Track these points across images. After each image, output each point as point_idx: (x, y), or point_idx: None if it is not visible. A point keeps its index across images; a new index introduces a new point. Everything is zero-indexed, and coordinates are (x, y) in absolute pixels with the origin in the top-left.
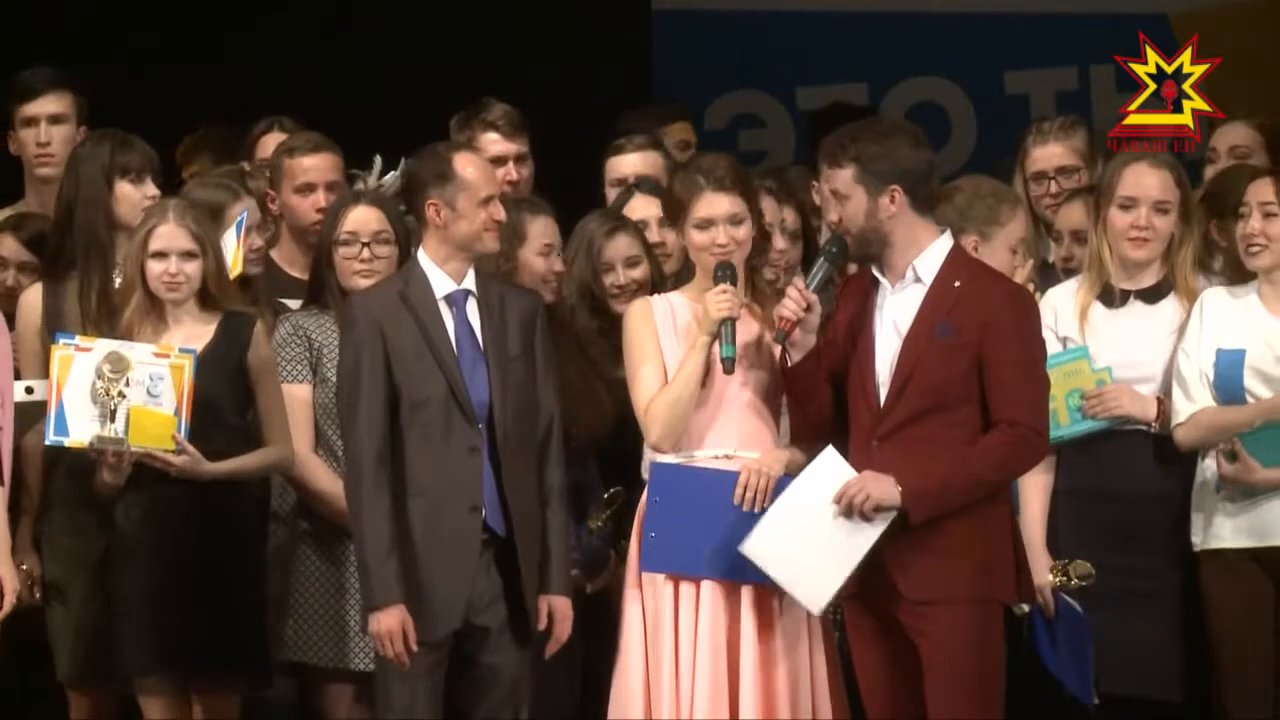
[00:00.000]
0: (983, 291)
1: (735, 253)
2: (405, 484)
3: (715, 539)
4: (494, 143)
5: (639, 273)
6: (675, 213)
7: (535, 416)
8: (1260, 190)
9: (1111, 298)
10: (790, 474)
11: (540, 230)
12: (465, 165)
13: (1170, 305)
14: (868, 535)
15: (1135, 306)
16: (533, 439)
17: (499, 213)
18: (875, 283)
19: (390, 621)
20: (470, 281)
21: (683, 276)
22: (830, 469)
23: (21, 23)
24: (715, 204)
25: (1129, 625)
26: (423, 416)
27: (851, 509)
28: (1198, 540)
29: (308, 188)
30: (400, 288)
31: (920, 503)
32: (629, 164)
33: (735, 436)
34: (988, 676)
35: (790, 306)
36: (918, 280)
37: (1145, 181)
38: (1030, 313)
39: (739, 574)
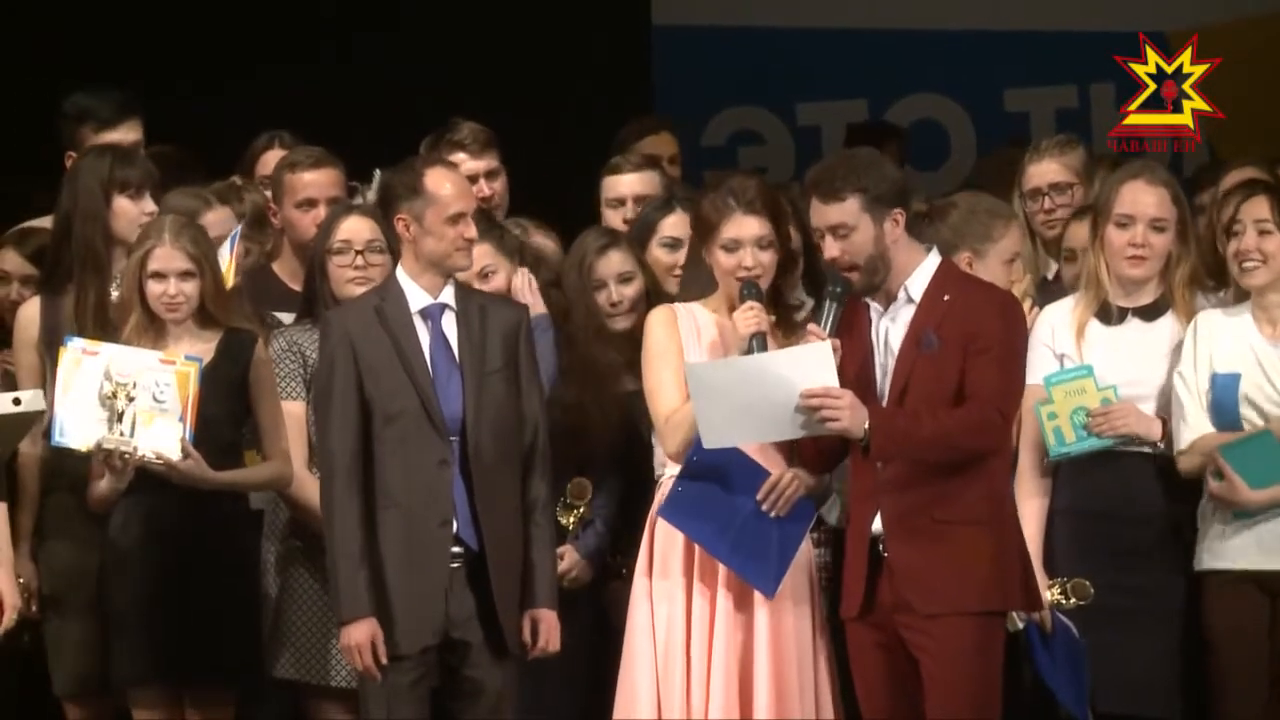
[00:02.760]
0: (971, 302)
1: (761, 277)
2: (379, 496)
3: (726, 521)
4: (461, 162)
5: (632, 289)
6: (704, 231)
7: (516, 429)
8: (1256, 207)
9: (1109, 315)
10: (808, 497)
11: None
12: (436, 181)
13: (1168, 323)
14: (807, 429)
15: (1133, 324)
16: (513, 452)
17: (469, 230)
18: (868, 309)
19: (359, 635)
20: (448, 295)
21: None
22: (818, 360)
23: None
24: (744, 226)
25: (1127, 644)
26: (396, 430)
27: (816, 410)
28: (1200, 560)
29: (308, 203)
30: (376, 303)
31: (886, 436)
32: (625, 184)
33: (751, 454)
34: (988, 693)
35: None
36: (910, 301)
37: (1142, 199)
38: (1016, 317)
39: (734, 560)
